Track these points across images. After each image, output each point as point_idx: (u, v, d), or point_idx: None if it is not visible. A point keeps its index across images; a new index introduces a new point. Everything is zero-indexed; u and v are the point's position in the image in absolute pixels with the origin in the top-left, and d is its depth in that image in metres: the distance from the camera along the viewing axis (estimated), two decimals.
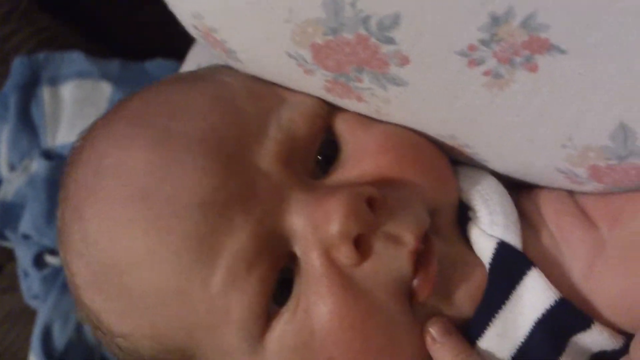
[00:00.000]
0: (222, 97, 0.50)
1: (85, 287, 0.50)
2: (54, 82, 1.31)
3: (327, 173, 0.50)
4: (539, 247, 0.50)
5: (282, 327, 0.47)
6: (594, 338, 0.47)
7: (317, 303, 0.46)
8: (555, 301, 0.47)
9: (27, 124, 1.29)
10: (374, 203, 0.46)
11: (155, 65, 1.21)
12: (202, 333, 0.47)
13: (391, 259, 0.46)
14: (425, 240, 0.48)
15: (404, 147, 0.50)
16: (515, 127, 0.46)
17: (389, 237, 0.46)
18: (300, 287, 0.47)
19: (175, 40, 0.63)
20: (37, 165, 1.26)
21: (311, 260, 0.46)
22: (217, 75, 0.54)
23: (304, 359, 0.47)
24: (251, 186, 0.46)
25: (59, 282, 1.20)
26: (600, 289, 0.48)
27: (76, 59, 1.30)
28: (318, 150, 0.50)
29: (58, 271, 1.20)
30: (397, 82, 0.46)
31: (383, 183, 0.48)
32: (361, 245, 0.46)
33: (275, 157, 0.48)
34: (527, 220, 0.52)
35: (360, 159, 0.50)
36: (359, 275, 0.46)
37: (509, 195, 0.51)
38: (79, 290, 0.51)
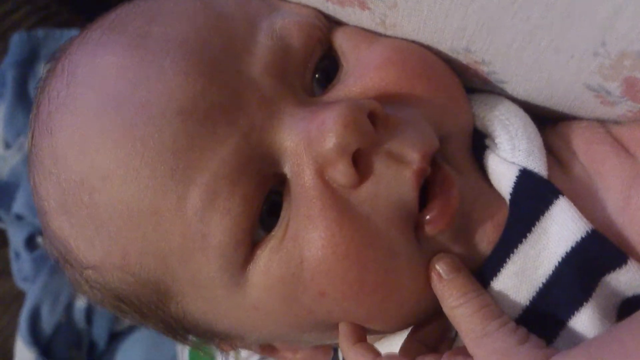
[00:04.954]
0: (207, 1, 0.45)
1: (54, 211, 0.45)
2: None
3: (325, 90, 0.45)
4: (567, 179, 0.45)
5: (268, 256, 0.42)
6: (629, 277, 0.41)
7: (307, 228, 0.41)
8: (587, 233, 0.41)
9: (24, 101, 1.26)
10: (376, 119, 0.41)
11: None
12: (177, 261, 0.42)
13: (393, 180, 0.41)
14: (434, 164, 0.43)
15: (412, 61, 0.45)
16: (540, 32, 0.40)
17: (391, 156, 0.41)
18: (290, 212, 0.42)
19: None
20: None
21: (303, 180, 0.42)
22: None
23: (292, 293, 0.42)
24: (238, 96, 0.42)
25: (49, 263, 1.15)
26: (637, 222, 0.42)
27: None
28: (315, 67, 0.46)
29: None
30: None
31: (387, 99, 0.43)
32: (360, 164, 0.41)
33: (266, 66, 0.43)
34: (554, 153, 0.46)
35: (363, 74, 0.44)
36: (357, 198, 0.41)
37: (531, 120, 0.46)
38: (47, 217, 0.46)
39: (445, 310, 0.43)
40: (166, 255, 0.42)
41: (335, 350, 0.51)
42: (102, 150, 0.41)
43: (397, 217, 0.42)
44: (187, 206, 0.41)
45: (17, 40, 1.28)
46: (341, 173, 0.41)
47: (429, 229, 0.42)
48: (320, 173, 0.41)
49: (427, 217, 0.42)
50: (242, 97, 0.42)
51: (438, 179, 0.43)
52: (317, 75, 0.45)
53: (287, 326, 0.45)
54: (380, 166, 0.41)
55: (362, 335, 0.44)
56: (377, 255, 0.41)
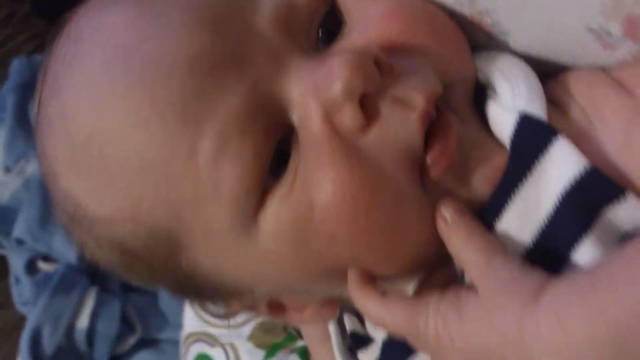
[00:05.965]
0: None
1: (63, 169, 0.45)
2: None
3: (329, 46, 0.46)
4: (567, 122, 0.45)
5: (278, 203, 0.42)
6: (629, 212, 0.41)
7: (316, 173, 0.42)
8: (585, 169, 0.42)
9: (24, 125, 1.26)
10: (381, 66, 0.42)
11: None
12: (189, 210, 0.43)
13: (399, 124, 0.42)
14: (438, 110, 0.44)
15: (417, 14, 0.46)
16: None
17: (396, 101, 0.42)
18: (298, 159, 0.43)
19: None
20: (33, 168, 1.22)
21: (310, 126, 0.42)
22: None
23: (303, 238, 0.43)
24: (245, 47, 0.43)
25: (49, 286, 1.15)
26: (637, 159, 0.43)
27: None
28: (320, 24, 0.47)
29: (50, 276, 1.15)
30: None
31: (391, 50, 0.44)
32: (367, 109, 0.42)
33: (272, 21, 0.44)
34: (554, 102, 0.47)
35: (367, 27, 0.46)
36: (364, 143, 0.42)
37: (532, 71, 0.47)
38: (56, 177, 0.46)
39: (452, 252, 0.44)
40: (178, 204, 0.42)
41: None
42: (111, 102, 0.42)
43: (404, 160, 0.42)
44: (199, 154, 0.41)
45: (17, 66, 1.28)
46: (349, 117, 0.41)
47: (432, 172, 0.43)
48: (328, 118, 0.42)
49: (428, 158, 0.43)
50: (249, 49, 0.43)
51: (439, 124, 0.43)
52: (319, 34, 0.46)
53: (297, 273, 0.45)
54: (387, 111, 0.42)
55: (370, 279, 0.45)
56: (385, 198, 0.42)
